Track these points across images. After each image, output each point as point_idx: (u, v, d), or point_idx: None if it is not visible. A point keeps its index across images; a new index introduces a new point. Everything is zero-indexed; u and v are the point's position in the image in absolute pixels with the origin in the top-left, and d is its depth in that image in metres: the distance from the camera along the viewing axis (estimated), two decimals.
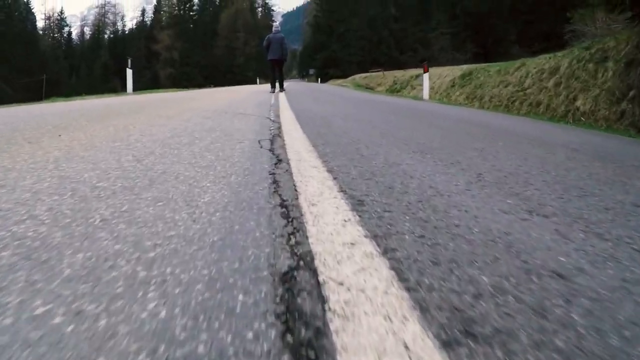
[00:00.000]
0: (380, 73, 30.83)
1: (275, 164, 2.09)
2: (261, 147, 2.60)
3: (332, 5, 58.15)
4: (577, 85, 9.95)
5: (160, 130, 3.24)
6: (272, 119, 4.41)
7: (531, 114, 10.49)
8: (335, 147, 2.70)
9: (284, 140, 2.86)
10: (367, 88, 27.08)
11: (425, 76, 12.25)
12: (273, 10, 74.21)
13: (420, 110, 7.13)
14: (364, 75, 37.39)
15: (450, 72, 17.19)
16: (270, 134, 3.23)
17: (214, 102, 7.13)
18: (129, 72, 12.39)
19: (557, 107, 10.18)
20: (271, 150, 2.49)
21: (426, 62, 12.40)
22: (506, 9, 55.88)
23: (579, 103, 9.63)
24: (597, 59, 9.77)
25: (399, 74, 26.89)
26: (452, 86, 16.13)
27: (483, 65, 16.57)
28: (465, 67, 16.87)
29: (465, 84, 15.56)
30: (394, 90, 24.19)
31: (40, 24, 71.09)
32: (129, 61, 12.41)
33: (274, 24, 18.72)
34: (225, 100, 7.81)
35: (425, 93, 12.26)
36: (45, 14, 76.65)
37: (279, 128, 3.58)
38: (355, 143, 2.91)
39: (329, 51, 57.81)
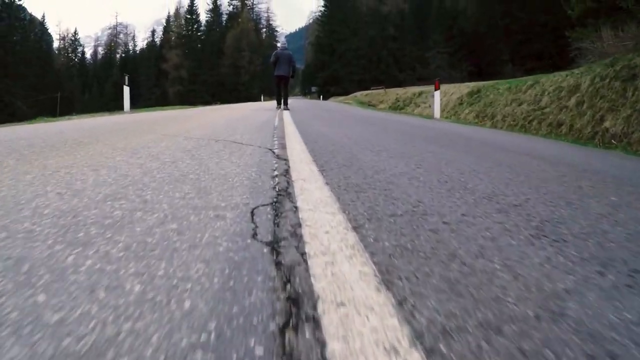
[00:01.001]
0: (382, 91, 29.66)
1: (285, 326, 0.76)
2: (254, 234, 1.25)
3: (334, 26, 57.27)
4: (604, 105, 8.69)
5: (99, 181, 1.92)
6: (275, 151, 3.09)
7: (552, 135, 9.23)
8: (395, 230, 1.36)
9: (297, 209, 1.52)
10: (369, 105, 25.88)
11: (437, 94, 10.98)
12: (277, 31, 73.41)
13: (448, 134, 5.80)
14: (365, 92, 36.33)
15: (457, 90, 15.94)
16: (274, 188, 1.89)
17: (207, 124, 5.80)
18: (126, 90, 11.11)
19: (582, 128, 8.92)
20: (273, 246, 1.15)
21: (438, 78, 11.13)
22: (500, 29, 55.12)
23: (607, 124, 8.34)
24: (623, 77, 8.51)
25: (400, 92, 25.68)
26: (460, 104, 14.84)
27: (491, 82, 15.31)
28: (472, 85, 15.57)
29: (474, 102, 14.28)
30: (396, 107, 22.96)
31: (55, 44, 70.25)
32: (126, 78, 11.15)
33: (281, 40, 17.69)
34: (222, 121, 6.49)
35: (437, 111, 10.98)
36: (59, 34, 75.44)
37: (287, 173, 2.25)
38: (422, 214, 1.57)
39: (331, 70, 56.83)
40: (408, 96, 23.24)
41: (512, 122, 11.29)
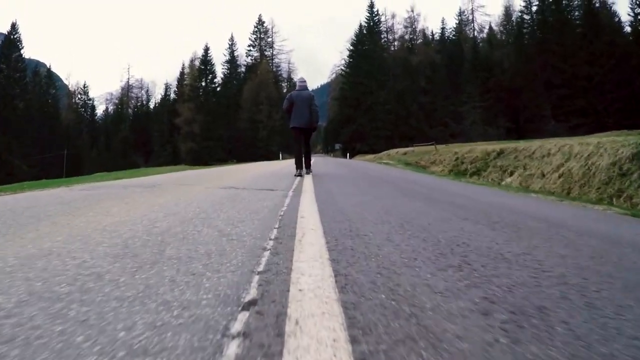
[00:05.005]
0: (432, 147, 23.65)
1: None
2: None
3: (359, 78, 53.05)
4: None
5: None
6: None
7: None
8: None
9: None
10: (419, 167, 19.78)
11: None
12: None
13: None
14: (402, 150, 30.45)
15: (597, 149, 9.64)
16: None
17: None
18: None
19: None
20: None
21: None
22: (540, 82, 49.90)
23: None
24: None
25: (461, 150, 19.39)
26: (623, 175, 8.53)
27: None
28: (635, 140, 8.98)
29: None
30: (461, 172, 16.65)
31: (64, 99, 67.11)
32: None
33: (299, 76, 12.12)
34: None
35: None
36: (69, 88, 72.65)
37: None
38: None
39: (356, 125, 51.96)
40: (476, 156, 17.02)
41: None
